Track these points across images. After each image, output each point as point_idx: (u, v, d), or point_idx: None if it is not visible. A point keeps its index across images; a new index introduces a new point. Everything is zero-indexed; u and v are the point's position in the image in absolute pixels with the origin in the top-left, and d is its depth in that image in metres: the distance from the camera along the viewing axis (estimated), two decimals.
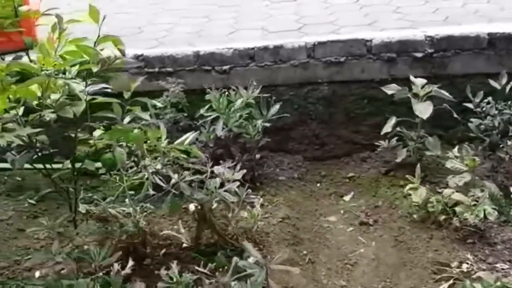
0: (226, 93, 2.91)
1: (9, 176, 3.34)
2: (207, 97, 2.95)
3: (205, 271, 1.73)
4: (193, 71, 3.20)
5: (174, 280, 1.79)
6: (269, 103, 2.92)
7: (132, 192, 2.49)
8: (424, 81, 2.86)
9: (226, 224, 2.35)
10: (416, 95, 2.84)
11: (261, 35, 3.53)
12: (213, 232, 2.27)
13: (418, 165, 2.71)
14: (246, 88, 2.92)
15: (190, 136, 1.96)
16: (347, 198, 3.05)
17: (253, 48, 3.17)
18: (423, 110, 2.71)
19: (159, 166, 2.03)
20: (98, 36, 1.70)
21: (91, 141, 1.86)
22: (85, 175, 2.84)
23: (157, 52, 3.29)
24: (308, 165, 3.35)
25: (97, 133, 1.97)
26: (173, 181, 2.12)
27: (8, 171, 3.33)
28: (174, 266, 2.09)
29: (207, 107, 2.98)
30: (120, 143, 1.81)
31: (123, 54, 1.75)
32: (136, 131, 1.78)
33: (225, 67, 3.20)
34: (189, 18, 4.29)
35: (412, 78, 2.88)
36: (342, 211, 2.93)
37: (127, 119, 1.94)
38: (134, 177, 2.53)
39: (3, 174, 3.35)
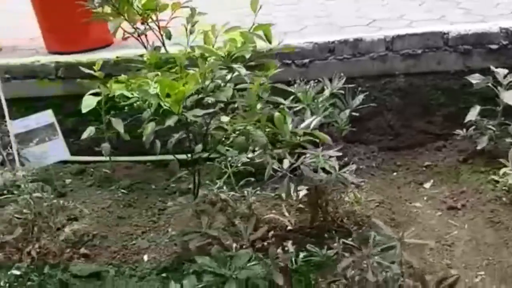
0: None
1: (95, 168, 3.48)
2: (292, 88, 3.06)
3: (350, 242, 1.82)
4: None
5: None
6: (355, 93, 3.03)
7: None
8: (506, 71, 2.96)
9: (333, 207, 2.45)
10: (499, 84, 2.94)
11: (333, 30, 3.64)
12: (325, 215, 2.37)
13: None
14: (330, 81, 3.04)
15: (314, 120, 2.06)
16: (427, 185, 3.15)
17: (333, 42, 3.28)
18: (510, 97, 2.81)
19: (279, 151, 2.12)
20: (253, 24, 1.81)
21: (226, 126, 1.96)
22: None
23: None
24: (383, 155, 3.45)
25: (224, 118, 2.08)
26: (286, 164, 2.22)
27: (98, 163, 3.48)
28: (290, 245, 2.21)
29: (290, 98, 3.09)
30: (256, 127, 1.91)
31: (270, 42, 1.86)
32: (277, 114, 1.89)
33: (305, 61, 3.31)
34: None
35: (493, 68, 2.98)
36: (425, 198, 3.02)
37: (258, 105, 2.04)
38: (239, 163, 2.67)
39: (90, 166, 3.50)
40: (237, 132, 1.95)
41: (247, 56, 1.80)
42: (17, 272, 1.89)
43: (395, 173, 3.33)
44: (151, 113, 1.91)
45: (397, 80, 3.35)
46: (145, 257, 2.64)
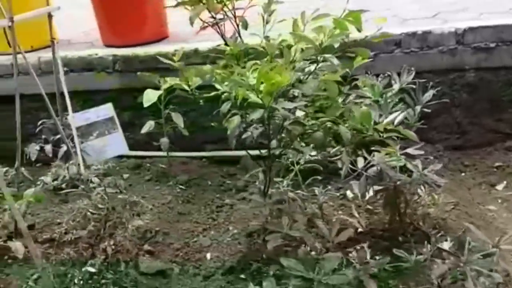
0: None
1: (151, 163, 3.44)
2: (357, 83, 2.93)
3: (444, 248, 1.69)
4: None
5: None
6: (425, 88, 2.87)
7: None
8: None
9: (412, 209, 2.31)
10: None
11: (398, 23, 3.49)
12: (402, 217, 2.24)
13: None
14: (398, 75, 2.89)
15: (399, 115, 1.94)
16: (499, 187, 2.98)
17: (400, 34, 3.13)
18: None
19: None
20: (344, 11, 1.70)
21: (305, 121, 1.86)
22: None
23: None
24: (449, 155, 3.29)
25: (299, 113, 1.97)
26: (361, 162, 2.10)
27: (154, 158, 3.44)
28: (366, 247, 2.09)
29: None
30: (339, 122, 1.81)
31: (360, 30, 1.75)
32: (364, 108, 1.78)
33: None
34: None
35: None
36: (499, 200, 2.86)
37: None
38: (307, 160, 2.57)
39: (146, 161, 3.46)
40: (315, 127, 1.85)
41: (336, 45, 1.69)
42: (92, 270, 1.84)
43: (463, 174, 3.16)
44: (233, 105, 1.83)
45: (466, 75, 3.17)
46: (208, 256, 2.57)
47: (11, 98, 3.61)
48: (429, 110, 2.96)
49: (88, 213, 1.99)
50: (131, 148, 3.48)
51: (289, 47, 1.72)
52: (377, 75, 2.93)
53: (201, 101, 2.25)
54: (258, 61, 1.75)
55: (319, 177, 2.67)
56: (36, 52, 3.65)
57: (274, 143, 2.00)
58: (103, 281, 1.85)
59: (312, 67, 1.76)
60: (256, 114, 1.63)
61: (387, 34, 1.94)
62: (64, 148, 2.95)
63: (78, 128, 2.97)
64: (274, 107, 1.60)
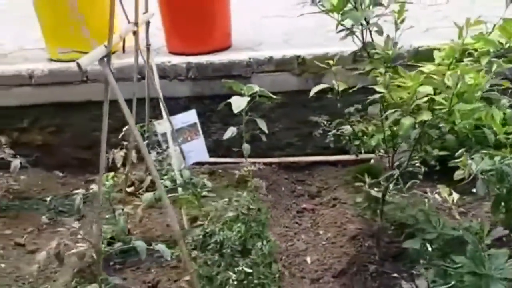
0: None
1: (223, 169, 3.47)
2: None
3: None
4: None
5: None
6: None
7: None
8: None
9: None
10: None
11: None
12: None
13: None
14: None
15: None
16: None
17: None
18: None
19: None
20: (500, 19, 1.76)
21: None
22: None
23: None
24: None
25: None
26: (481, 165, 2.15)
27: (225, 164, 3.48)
28: None
29: None
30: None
31: None
32: (508, 111, 1.84)
33: None
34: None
35: None
36: None
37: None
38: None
39: (219, 167, 3.49)
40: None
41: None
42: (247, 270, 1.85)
43: None
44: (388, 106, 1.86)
45: None
46: (308, 259, 2.62)
47: (82, 105, 3.64)
48: None
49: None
50: None
51: (475, 50, 1.76)
52: None
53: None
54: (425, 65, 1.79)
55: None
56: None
57: (404, 145, 2.04)
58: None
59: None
60: (424, 116, 1.67)
61: None
62: (153, 153, 2.96)
63: (163, 134, 3.00)
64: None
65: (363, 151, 3.18)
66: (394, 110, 1.70)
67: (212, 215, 2.02)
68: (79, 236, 2.21)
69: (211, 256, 1.87)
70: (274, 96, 3.07)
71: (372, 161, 3.13)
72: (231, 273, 1.78)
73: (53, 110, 3.59)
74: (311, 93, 2.30)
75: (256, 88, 3.03)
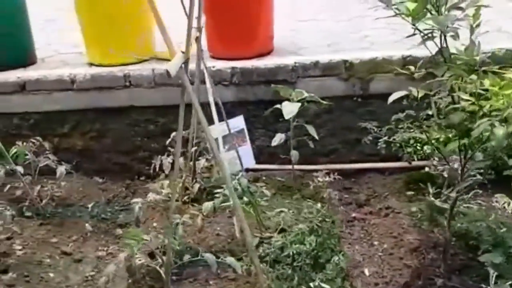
0: None
1: (267, 176, 3.40)
2: None
3: None
4: None
5: None
6: None
7: None
8: None
9: None
10: None
11: None
12: None
13: None
14: None
15: None
16: None
17: None
18: None
19: None
20: None
21: None
22: None
23: None
24: None
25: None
26: None
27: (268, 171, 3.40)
28: None
29: None
30: None
31: None
32: None
33: None
34: None
35: None
36: None
37: None
38: None
39: (262, 174, 3.42)
40: None
41: None
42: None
43: None
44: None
45: None
46: (366, 271, 2.53)
47: (123, 110, 3.60)
48: None
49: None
50: None
51: None
52: None
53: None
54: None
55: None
56: (142, 64, 3.62)
57: (479, 155, 1.95)
58: None
59: None
60: None
61: None
62: (202, 160, 2.90)
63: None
64: None
65: (416, 159, 3.12)
66: (487, 119, 1.61)
67: (274, 226, 1.93)
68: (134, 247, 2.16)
69: (282, 270, 1.79)
70: (325, 102, 3.00)
71: (426, 169, 3.03)
72: None
73: (94, 115, 3.55)
74: (390, 99, 2.20)
75: (305, 94, 2.96)
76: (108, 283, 2.56)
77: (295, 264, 1.76)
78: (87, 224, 3.17)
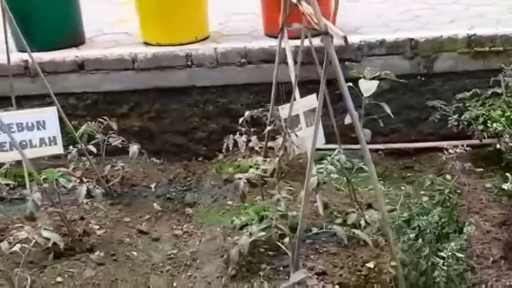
0: None
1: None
2: None
3: None
4: None
5: None
6: None
7: None
8: None
9: None
10: None
11: None
12: None
13: None
14: None
15: None
16: None
17: None
18: None
19: None
20: None
21: None
22: None
23: None
24: None
25: None
26: None
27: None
28: None
29: None
30: None
31: None
32: None
33: None
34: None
35: None
36: None
37: None
38: None
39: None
40: None
41: None
42: None
43: None
44: None
45: None
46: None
47: (183, 90, 3.56)
48: None
49: None
50: None
51: None
52: None
53: None
54: None
55: None
56: (200, 43, 3.58)
57: None
58: None
59: None
60: None
61: None
62: (280, 139, 2.89)
63: (286, 119, 2.93)
64: None
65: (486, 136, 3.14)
66: None
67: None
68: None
69: (410, 242, 1.80)
70: (400, 80, 3.00)
71: (498, 146, 3.04)
72: (438, 259, 1.71)
73: (154, 95, 3.52)
74: None
75: (378, 72, 2.96)
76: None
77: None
78: (155, 204, 3.16)
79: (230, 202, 2.99)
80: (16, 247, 2.02)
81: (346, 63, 3.06)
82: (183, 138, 3.64)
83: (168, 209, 3.14)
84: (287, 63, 3.39)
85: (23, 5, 3.36)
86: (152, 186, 3.33)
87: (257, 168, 2.35)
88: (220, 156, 3.59)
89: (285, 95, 3.19)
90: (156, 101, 3.53)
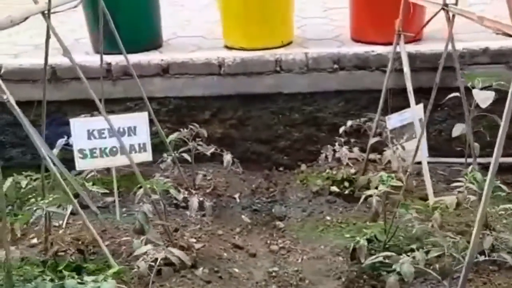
0: None
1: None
2: None
3: None
4: None
5: None
6: None
7: None
8: None
9: None
10: None
11: None
12: None
13: None
14: None
15: None
16: None
17: None
18: None
19: None
20: None
21: None
22: None
23: None
24: None
25: None
26: None
27: None
28: None
29: None
30: None
31: None
32: None
33: None
34: None
35: None
36: None
37: None
38: None
39: None
40: None
41: None
42: None
43: None
44: None
45: None
46: None
47: (268, 97, 3.41)
48: None
49: None
50: None
51: None
52: None
53: None
54: None
55: None
56: (286, 47, 3.43)
57: None
58: None
59: None
60: None
61: None
62: (389, 152, 2.71)
63: (392, 130, 2.76)
64: None
65: None
66: None
67: None
68: None
69: None
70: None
71: None
72: None
73: (237, 101, 3.37)
74: None
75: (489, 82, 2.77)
76: None
77: None
78: (243, 216, 3.02)
79: (328, 218, 2.83)
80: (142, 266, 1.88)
81: (464, 71, 2.86)
82: (265, 147, 3.49)
83: (258, 222, 3.00)
84: (381, 70, 3.25)
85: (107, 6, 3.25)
86: (236, 196, 3.19)
87: (384, 184, 2.17)
88: (303, 167, 3.44)
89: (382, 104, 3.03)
90: (240, 107, 3.38)
